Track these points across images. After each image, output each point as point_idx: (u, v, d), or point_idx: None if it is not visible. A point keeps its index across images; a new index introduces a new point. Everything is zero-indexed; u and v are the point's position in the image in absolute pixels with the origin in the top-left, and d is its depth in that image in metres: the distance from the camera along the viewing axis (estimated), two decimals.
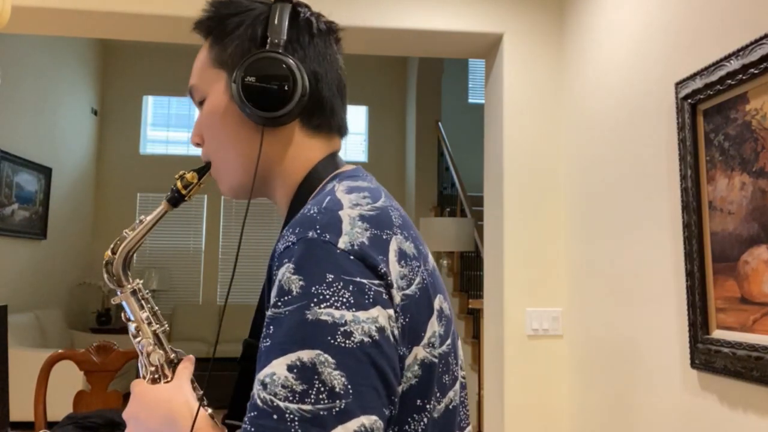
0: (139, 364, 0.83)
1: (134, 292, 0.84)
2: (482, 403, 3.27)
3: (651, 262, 1.83)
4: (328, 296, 0.61)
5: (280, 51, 0.77)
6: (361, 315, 0.61)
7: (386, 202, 0.73)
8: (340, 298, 0.61)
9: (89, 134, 6.80)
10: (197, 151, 0.85)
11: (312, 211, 0.67)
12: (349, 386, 0.58)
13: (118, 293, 0.84)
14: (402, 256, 0.68)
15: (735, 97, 1.47)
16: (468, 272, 5.23)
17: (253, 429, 0.58)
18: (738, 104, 1.46)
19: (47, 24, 2.45)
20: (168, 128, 7.35)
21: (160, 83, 7.13)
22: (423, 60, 6.51)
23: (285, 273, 0.63)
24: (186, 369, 0.81)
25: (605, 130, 2.14)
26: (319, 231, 0.64)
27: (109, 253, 0.84)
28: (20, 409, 3.82)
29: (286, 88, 0.76)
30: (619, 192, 2.03)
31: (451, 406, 0.73)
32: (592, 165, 2.24)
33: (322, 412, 0.56)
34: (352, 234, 0.65)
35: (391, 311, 0.64)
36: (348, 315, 0.60)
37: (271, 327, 0.62)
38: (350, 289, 0.62)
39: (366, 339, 0.61)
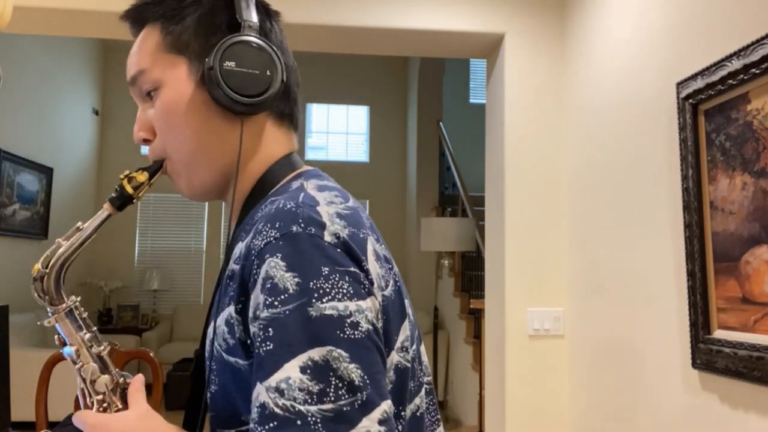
0: (79, 393, 0.73)
1: (70, 312, 0.72)
2: (483, 403, 3.27)
3: (652, 262, 1.83)
4: (327, 289, 0.59)
5: (257, 36, 0.74)
6: (363, 304, 0.60)
7: (355, 204, 0.71)
8: (340, 290, 0.59)
9: (90, 134, 6.80)
10: None
11: (289, 205, 0.64)
12: (366, 376, 0.57)
13: (50, 314, 0.71)
14: (377, 256, 0.67)
15: (736, 97, 1.47)
16: (469, 272, 5.23)
17: None
18: (739, 104, 1.46)
19: (48, 24, 2.46)
20: None
21: None
22: (424, 60, 6.51)
23: (274, 270, 0.59)
24: (139, 392, 0.72)
25: (606, 130, 2.14)
26: (302, 225, 0.61)
27: (38, 266, 0.71)
28: (21, 409, 3.82)
29: (268, 72, 0.73)
30: (620, 192, 2.03)
31: (418, 413, 0.71)
32: (594, 165, 2.23)
33: (345, 408, 0.55)
34: (334, 229, 0.63)
35: (378, 304, 0.63)
36: (351, 305, 0.59)
37: (271, 329, 0.58)
38: (347, 279, 0.60)
39: (370, 327, 0.60)
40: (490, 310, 2.60)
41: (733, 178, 1.48)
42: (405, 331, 0.68)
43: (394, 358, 0.66)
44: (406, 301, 0.72)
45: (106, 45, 7.07)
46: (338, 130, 7.45)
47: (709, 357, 1.54)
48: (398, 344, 0.67)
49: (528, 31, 2.50)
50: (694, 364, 1.59)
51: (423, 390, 0.73)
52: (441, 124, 6.39)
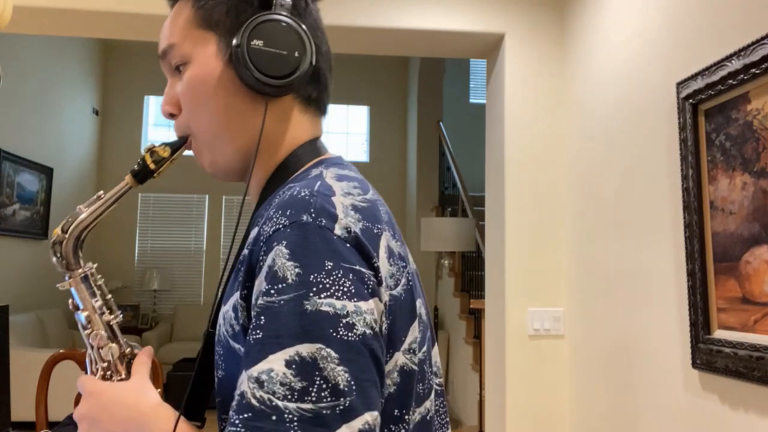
0: (87, 359, 0.73)
1: (85, 278, 0.72)
2: (483, 403, 3.28)
3: (652, 262, 1.83)
4: (327, 285, 0.56)
5: (288, 15, 0.71)
6: (363, 305, 0.57)
7: (374, 196, 0.69)
8: (341, 287, 0.56)
9: (90, 134, 6.80)
10: None
11: (303, 193, 0.61)
12: (353, 382, 0.54)
13: (66, 278, 0.72)
14: (390, 253, 0.64)
15: (736, 97, 1.47)
16: (469, 272, 5.23)
17: None
18: (739, 104, 1.46)
19: (48, 24, 2.46)
20: (170, 128, 7.34)
21: (162, 83, 7.09)
22: (424, 60, 6.52)
23: (278, 258, 0.57)
24: (143, 365, 0.71)
25: (606, 130, 2.14)
26: (314, 215, 0.59)
27: (58, 231, 0.71)
28: (21, 409, 3.82)
29: (296, 54, 0.70)
30: (620, 192, 2.03)
31: (428, 417, 0.69)
32: (594, 164, 2.23)
33: (324, 411, 0.52)
34: (346, 222, 0.60)
35: (382, 306, 0.61)
36: (350, 305, 0.56)
37: (263, 317, 0.56)
38: (350, 277, 0.57)
39: (368, 331, 0.57)
40: (491, 311, 2.60)
41: (733, 178, 1.48)
42: (414, 332, 0.65)
43: (400, 359, 0.63)
44: (419, 301, 0.68)
45: (106, 45, 7.07)
46: (338, 130, 7.46)
47: (709, 357, 1.54)
48: (405, 345, 0.64)
49: (528, 32, 2.50)
50: (694, 364, 1.59)
51: (433, 393, 0.71)
52: (441, 124, 6.39)
